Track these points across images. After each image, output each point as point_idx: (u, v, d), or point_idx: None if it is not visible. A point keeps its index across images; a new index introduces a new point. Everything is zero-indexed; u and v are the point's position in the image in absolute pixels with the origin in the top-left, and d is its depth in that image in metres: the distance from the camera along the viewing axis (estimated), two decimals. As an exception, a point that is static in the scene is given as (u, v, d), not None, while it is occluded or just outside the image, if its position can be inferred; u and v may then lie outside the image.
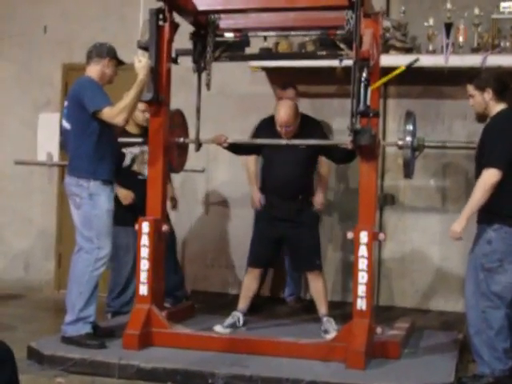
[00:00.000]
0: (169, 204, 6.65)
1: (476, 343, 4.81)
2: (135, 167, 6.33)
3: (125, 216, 5.95)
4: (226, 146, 5.91)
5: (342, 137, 6.86)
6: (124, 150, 6.28)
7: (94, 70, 5.42)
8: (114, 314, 6.31)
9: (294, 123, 5.76)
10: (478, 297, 4.78)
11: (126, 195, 6.23)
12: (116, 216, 5.60)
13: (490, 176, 4.62)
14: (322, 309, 5.79)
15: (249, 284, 5.93)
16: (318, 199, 6.27)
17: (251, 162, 6.63)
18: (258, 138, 6.00)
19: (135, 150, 6.28)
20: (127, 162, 6.32)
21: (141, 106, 6.02)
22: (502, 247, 4.70)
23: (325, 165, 6.50)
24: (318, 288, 5.83)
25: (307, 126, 5.98)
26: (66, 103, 5.49)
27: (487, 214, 4.70)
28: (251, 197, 6.52)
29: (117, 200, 5.97)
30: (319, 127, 6.17)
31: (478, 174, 4.77)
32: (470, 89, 4.89)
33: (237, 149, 6.07)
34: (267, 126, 6.00)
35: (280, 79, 7.11)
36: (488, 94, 4.80)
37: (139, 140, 6.17)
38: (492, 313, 4.73)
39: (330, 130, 7.09)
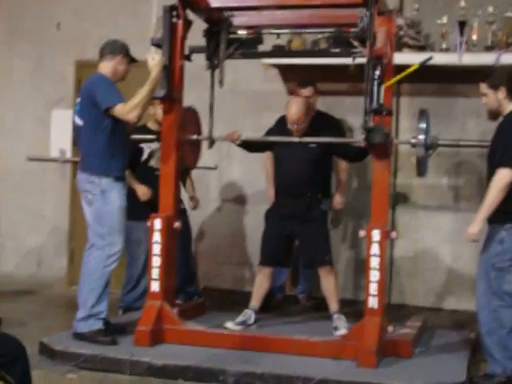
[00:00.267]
0: (190, 204, 6.67)
1: (487, 342, 4.79)
2: (152, 162, 6.34)
3: (140, 211, 5.94)
4: (239, 144, 5.93)
5: (354, 135, 6.91)
6: (143, 145, 6.30)
7: (106, 67, 5.43)
8: (126, 310, 6.34)
9: (305, 121, 5.75)
10: (489, 296, 4.76)
11: (144, 192, 6.25)
12: (130, 210, 5.61)
13: (505, 176, 4.60)
14: (333, 305, 5.78)
15: (260, 282, 5.93)
16: (337, 199, 6.42)
17: (269, 159, 6.63)
18: (271, 135, 6.02)
19: (154, 145, 6.28)
20: (145, 156, 6.34)
21: None
22: (513, 246, 4.70)
23: (342, 165, 6.53)
24: (328, 284, 5.82)
25: (321, 123, 5.98)
26: (78, 99, 5.51)
27: (499, 214, 4.66)
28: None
29: (131, 195, 5.99)
30: (335, 125, 6.18)
31: (489, 172, 4.75)
32: (483, 87, 4.86)
33: (250, 146, 6.08)
34: (280, 124, 6.03)
35: (293, 77, 7.10)
36: (501, 93, 4.77)
37: (153, 137, 6.17)
38: (504, 312, 4.71)
39: (349, 129, 7.07)
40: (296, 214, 5.82)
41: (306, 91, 6.45)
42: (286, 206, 5.89)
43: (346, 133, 6.76)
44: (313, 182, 5.87)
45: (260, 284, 5.93)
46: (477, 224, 4.69)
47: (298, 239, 5.94)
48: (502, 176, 4.61)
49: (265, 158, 6.70)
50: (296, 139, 5.77)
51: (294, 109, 5.72)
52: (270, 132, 6.11)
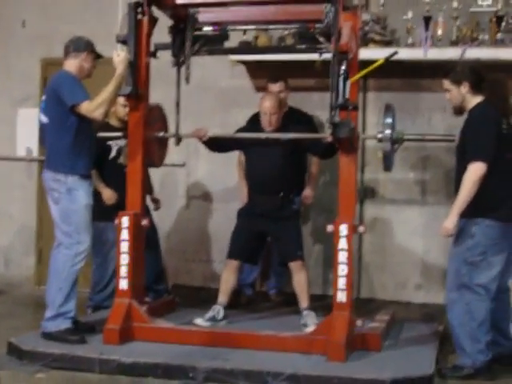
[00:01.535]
0: (152, 205, 6.62)
1: (459, 335, 4.84)
2: (121, 159, 6.29)
3: (112, 211, 5.88)
4: (204, 142, 5.90)
5: (322, 130, 6.92)
6: (110, 142, 6.26)
7: (71, 64, 5.39)
8: (95, 309, 6.30)
9: (278, 112, 5.79)
10: (461, 289, 4.80)
11: (110, 196, 6.18)
12: (102, 211, 5.56)
13: (477, 169, 4.65)
14: (303, 302, 5.79)
15: (227, 277, 5.91)
16: (306, 193, 6.50)
17: (242, 157, 6.62)
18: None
19: (121, 142, 6.23)
20: (113, 154, 6.30)
21: (122, 100, 6.01)
22: (484, 240, 4.73)
23: (314, 158, 6.55)
24: (300, 280, 5.82)
25: (293, 120, 6.02)
26: (43, 97, 5.47)
27: (469, 208, 4.70)
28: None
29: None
30: (307, 122, 6.18)
31: (459, 166, 4.81)
32: (446, 83, 4.91)
33: (214, 146, 6.02)
34: (252, 122, 6.08)
35: (260, 73, 7.11)
36: (464, 88, 4.83)
37: (120, 134, 6.13)
38: (476, 305, 4.75)
39: (318, 124, 7.05)
40: (269, 213, 5.83)
41: (277, 86, 6.50)
42: (259, 204, 5.89)
43: (318, 129, 6.77)
44: (285, 179, 5.86)
45: (227, 279, 5.91)
46: (452, 219, 4.72)
47: (270, 237, 5.95)
48: (475, 169, 4.65)
49: (238, 156, 6.67)
50: (263, 135, 5.78)
51: (268, 99, 5.80)
52: (241, 130, 6.10)
